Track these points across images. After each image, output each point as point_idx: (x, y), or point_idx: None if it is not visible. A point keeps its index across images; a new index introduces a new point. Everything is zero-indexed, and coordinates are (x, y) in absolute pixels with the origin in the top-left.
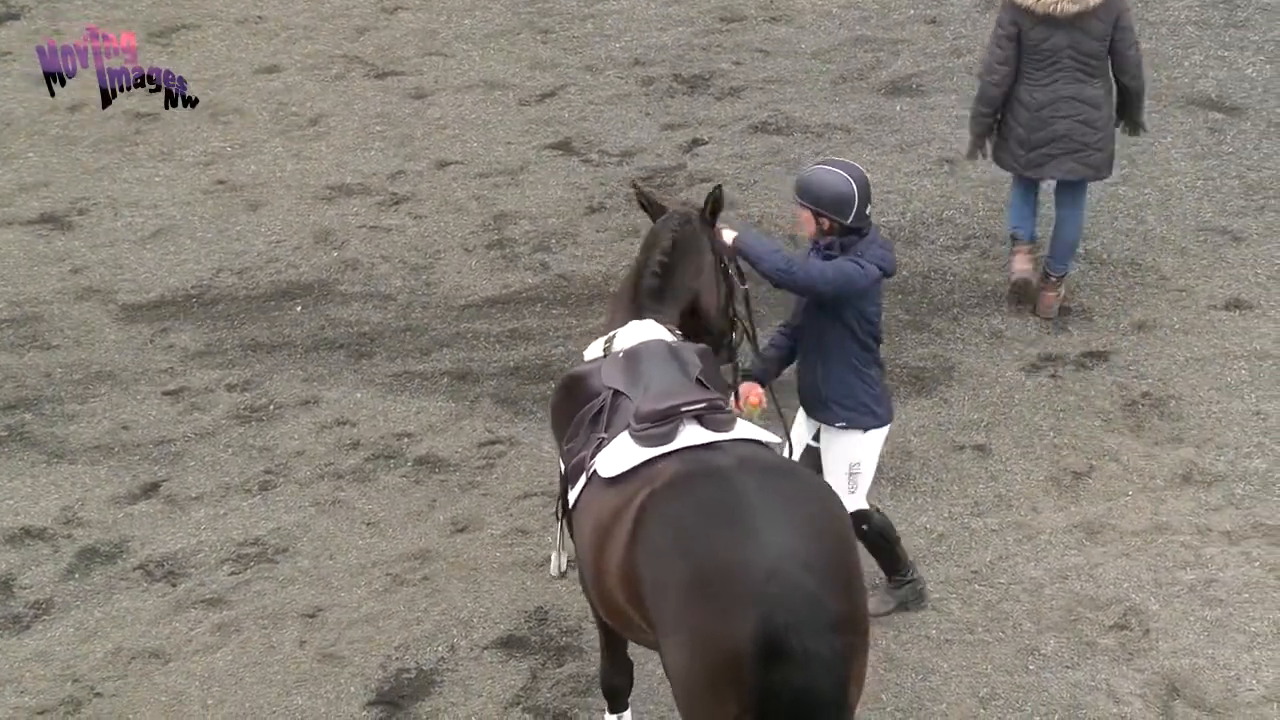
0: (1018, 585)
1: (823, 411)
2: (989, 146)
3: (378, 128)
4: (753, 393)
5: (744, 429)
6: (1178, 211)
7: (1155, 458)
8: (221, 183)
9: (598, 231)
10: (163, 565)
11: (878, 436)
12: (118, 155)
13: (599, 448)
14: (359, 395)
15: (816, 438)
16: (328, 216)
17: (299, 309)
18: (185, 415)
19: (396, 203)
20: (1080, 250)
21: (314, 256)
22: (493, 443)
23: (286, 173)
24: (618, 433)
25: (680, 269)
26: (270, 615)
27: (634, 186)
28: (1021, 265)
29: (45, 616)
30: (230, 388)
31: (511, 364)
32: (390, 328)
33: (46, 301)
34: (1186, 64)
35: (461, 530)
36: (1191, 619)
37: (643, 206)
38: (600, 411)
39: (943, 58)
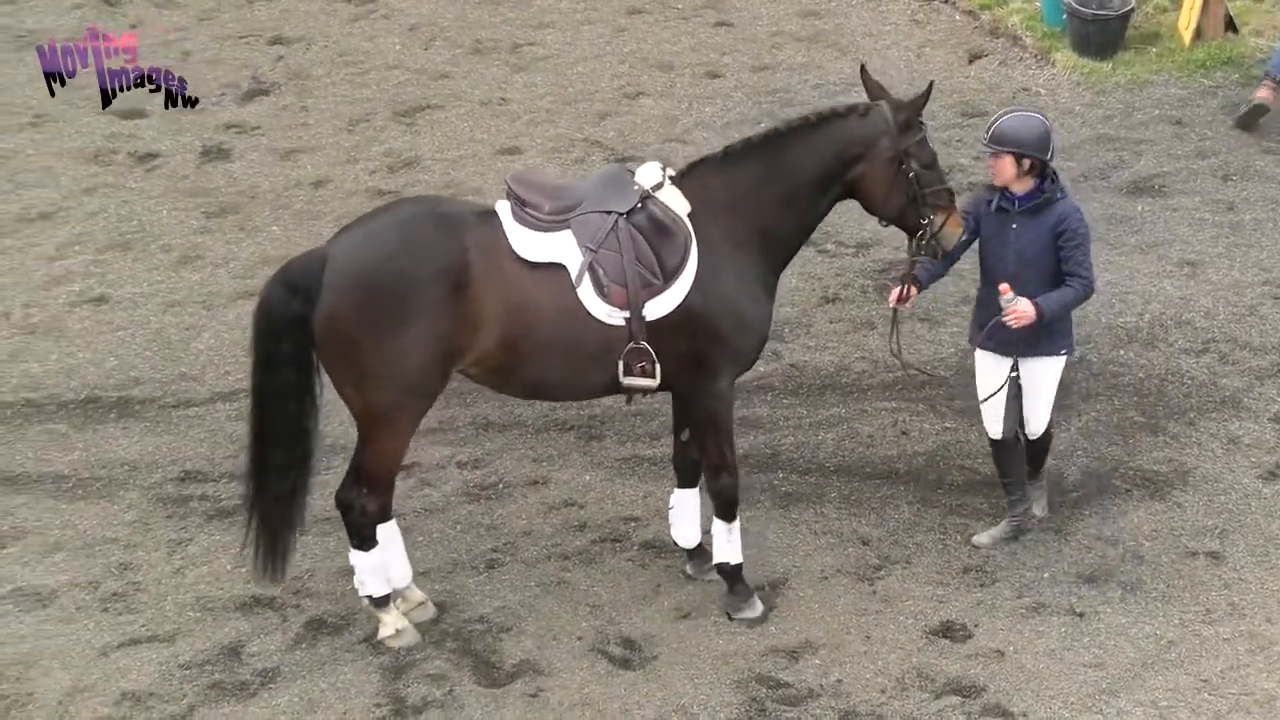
0: (1249, 697)
1: (1047, 343)
2: None
3: None
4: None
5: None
6: None
7: None
8: None
9: (831, 322)
10: None
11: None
12: None
13: None
14: (588, 477)
15: (1014, 368)
16: None
17: None
18: (416, 490)
19: None
20: None
21: None
22: None
23: None
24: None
25: (773, 150)
26: (493, 695)
27: (862, 69)
28: (1264, 93)
29: (271, 685)
30: (461, 465)
31: (740, 452)
32: (620, 411)
33: None
34: None
35: (685, 616)
36: None
37: (865, 84)
38: None
39: (1186, 159)
